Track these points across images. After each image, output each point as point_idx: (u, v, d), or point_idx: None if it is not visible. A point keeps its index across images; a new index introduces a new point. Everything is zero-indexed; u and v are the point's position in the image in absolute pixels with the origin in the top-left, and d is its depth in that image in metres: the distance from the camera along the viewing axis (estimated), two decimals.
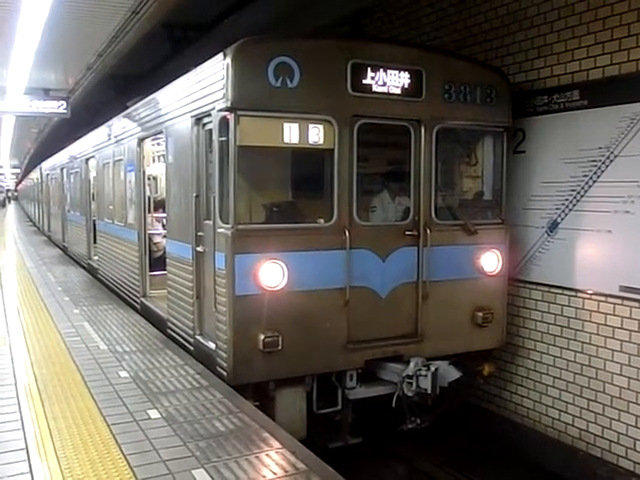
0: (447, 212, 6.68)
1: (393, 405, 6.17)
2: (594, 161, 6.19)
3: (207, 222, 6.15)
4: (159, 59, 12.06)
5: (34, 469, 3.90)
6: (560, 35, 6.46)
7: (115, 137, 10.47)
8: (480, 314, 6.58)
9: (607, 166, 6.07)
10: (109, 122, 11.14)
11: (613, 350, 6.14)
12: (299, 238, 5.74)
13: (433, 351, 6.30)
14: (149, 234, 9.33)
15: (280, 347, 5.54)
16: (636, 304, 5.88)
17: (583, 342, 6.45)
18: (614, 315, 6.10)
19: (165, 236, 8.14)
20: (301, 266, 5.66)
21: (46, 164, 23.78)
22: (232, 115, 5.41)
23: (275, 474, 3.88)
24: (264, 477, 3.84)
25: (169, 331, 7.41)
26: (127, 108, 9.71)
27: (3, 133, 22.46)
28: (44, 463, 3.98)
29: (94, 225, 13.17)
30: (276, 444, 4.33)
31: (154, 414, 4.85)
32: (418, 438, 6.80)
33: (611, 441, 6.20)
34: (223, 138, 5.58)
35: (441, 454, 7.02)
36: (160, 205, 9.53)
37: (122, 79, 13.63)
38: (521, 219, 7.03)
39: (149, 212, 9.53)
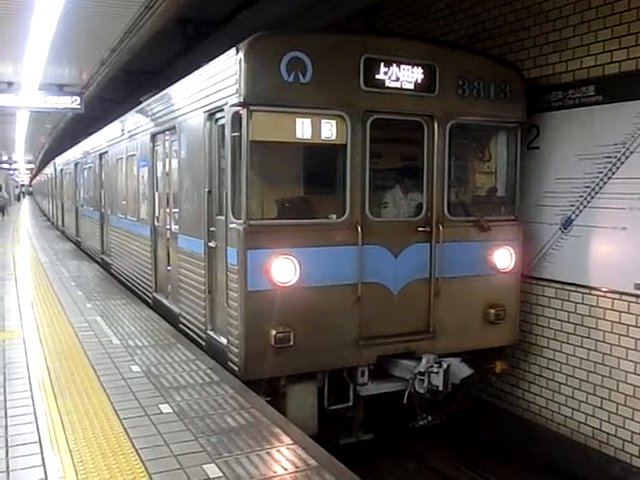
0: (460, 208, 6.65)
1: (404, 402, 6.15)
2: (609, 157, 6.12)
3: (219, 217, 6.15)
4: (172, 54, 12.09)
5: (47, 462, 3.93)
6: (576, 29, 6.39)
7: (128, 132, 10.50)
8: (493, 311, 6.55)
9: (622, 162, 6.00)
10: (122, 117, 11.18)
11: (627, 348, 6.08)
12: (311, 234, 5.72)
13: (445, 348, 6.29)
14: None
15: (292, 343, 5.54)
16: None
17: (597, 340, 6.40)
18: (628, 313, 6.05)
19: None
20: (313, 262, 5.66)
21: (60, 159, 23.93)
22: (245, 110, 5.41)
23: (286, 470, 3.88)
24: (275, 472, 3.84)
25: (181, 326, 7.43)
26: (140, 103, 9.74)
27: (18, 128, 22.60)
28: (57, 456, 4.01)
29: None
30: (287, 440, 4.33)
31: (166, 409, 4.87)
32: (429, 435, 6.79)
33: (625, 440, 6.15)
34: (236, 133, 5.59)
35: (452, 451, 7.00)
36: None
37: (135, 74, 13.67)
38: (535, 216, 6.97)
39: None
